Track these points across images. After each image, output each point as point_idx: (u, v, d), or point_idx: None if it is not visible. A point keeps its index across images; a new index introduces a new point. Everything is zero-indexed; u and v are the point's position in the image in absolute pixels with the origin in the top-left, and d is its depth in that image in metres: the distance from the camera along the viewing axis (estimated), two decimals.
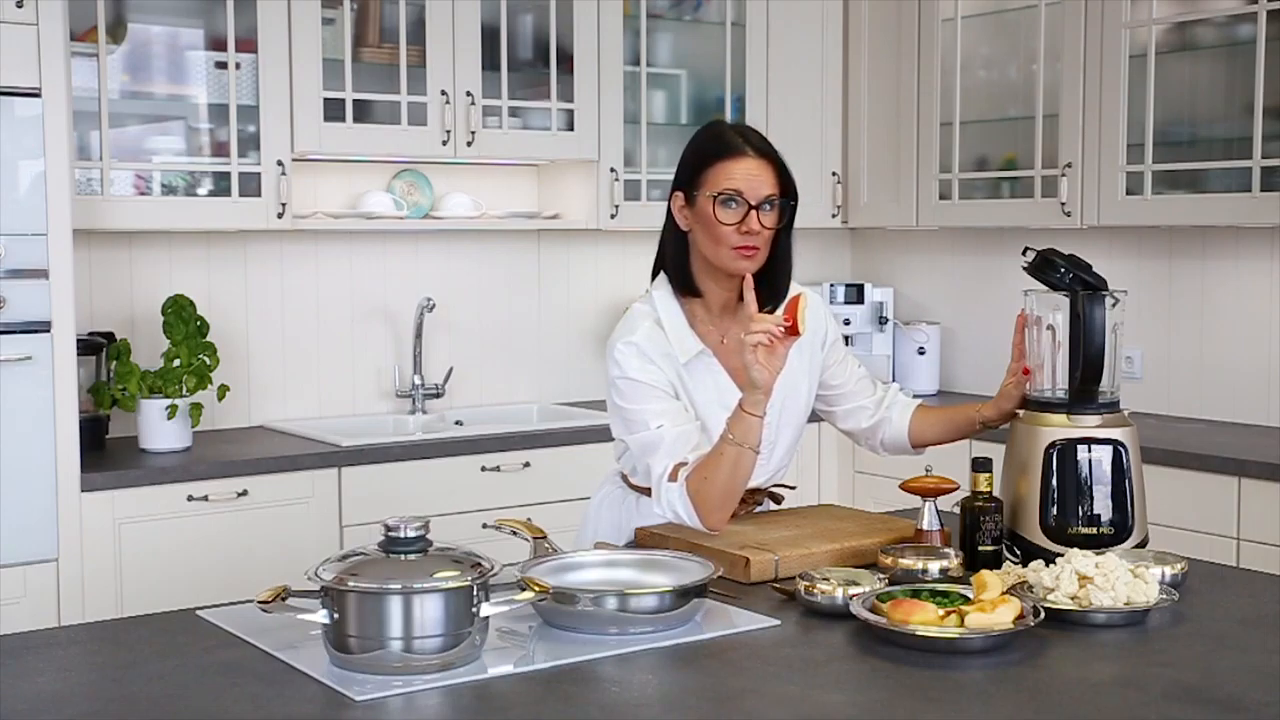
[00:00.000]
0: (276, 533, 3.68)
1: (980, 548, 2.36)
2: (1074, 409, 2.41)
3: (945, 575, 2.23)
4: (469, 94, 4.20)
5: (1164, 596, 2.11)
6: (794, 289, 2.53)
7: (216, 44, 3.92)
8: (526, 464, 4.07)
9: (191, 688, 1.82)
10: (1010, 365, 2.55)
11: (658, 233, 2.62)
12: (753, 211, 2.46)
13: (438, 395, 4.45)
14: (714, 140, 2.54)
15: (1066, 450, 2.38)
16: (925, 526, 2.42)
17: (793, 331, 2.32)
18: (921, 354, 4.93)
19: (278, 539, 3.68)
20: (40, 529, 3.38)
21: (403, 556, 1.87)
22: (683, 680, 1.88)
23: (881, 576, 2.17)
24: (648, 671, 1.90)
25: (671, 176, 2.58)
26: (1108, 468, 2.38)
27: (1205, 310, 4.30)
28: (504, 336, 4.68)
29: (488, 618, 1.87)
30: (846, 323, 4.90)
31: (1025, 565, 2.27)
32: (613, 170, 4.47)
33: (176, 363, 3.77)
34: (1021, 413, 2.49)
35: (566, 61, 4.40)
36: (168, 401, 3.74)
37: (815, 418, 2.78)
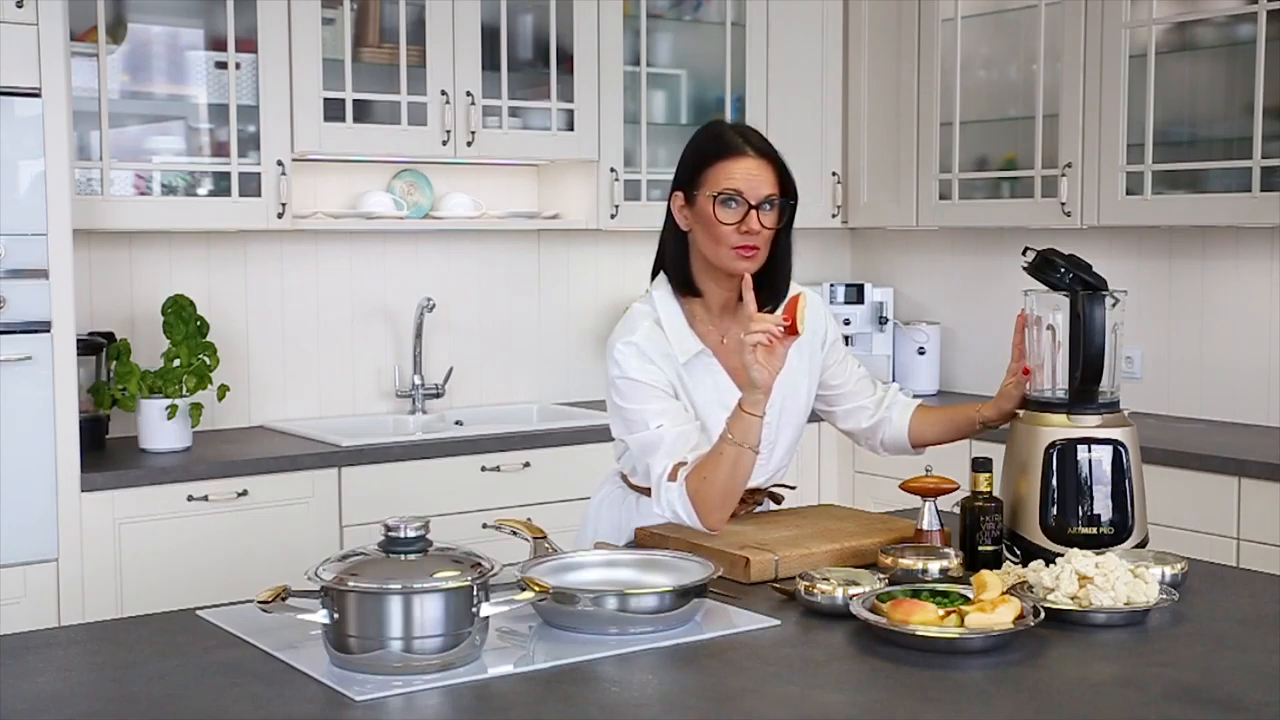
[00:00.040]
0: (276, 533, 3.68)
1: (980, 548, 2.36)
2: (1074, 409, 2.41)
3: (945, 575, 2.23)
4: (469, 94, 4.20)
5: (1164, 596, 2.11)
6: (793, 289, 2.53)
7: (216, 44, 3.92)
8: (526, 464, 4.07)
9: (191, 688, 1.82)
10: (1010, 365, 2.55)
11: (658, 233, 2.62)
12: (753, 211, 2.46)
13: (438, 395, 4.45)
14: (714, 140, 2.54)
15: (1066, 450, 2.38)
16: (925, 526, 2.42)
17: (792, 331, 2.32)
18: (921, 354, 4.93)
19: (278, 539, 3.68)
20: (40, 529, 3.38)
21: (403, 556, 1.87)
22: (683, 680, 1.88)
23: (881, 576, 2.17)
24: (648, 671, 1.90)
25: (671, 176, 2.58)
26: (1108, 468, 2.38)
27: (1205, 310, 4.30)
28: (504, 336, 4.68)
29: (488, 618, 1.87)
30: (846, 323, 4.90)
31: (1025, 565, 2.27)
32: (613, 170, 4.47)
33: (176, 363, 3.77)
34: (1021, 413, 2.49)
35: (566, 61, 4.40)
36: (168, 401, 3.74)
37: (815, 418, 2.78)
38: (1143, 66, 4.06)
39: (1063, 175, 4.24)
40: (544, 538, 2.33)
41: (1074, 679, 1.86)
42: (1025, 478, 2.41)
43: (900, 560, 2.25)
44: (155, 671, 1.88)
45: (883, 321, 5.00)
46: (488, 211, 4.49)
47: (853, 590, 2.09)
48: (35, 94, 3.33)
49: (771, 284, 2.52)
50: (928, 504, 2.44)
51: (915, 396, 2.84)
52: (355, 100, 4.06)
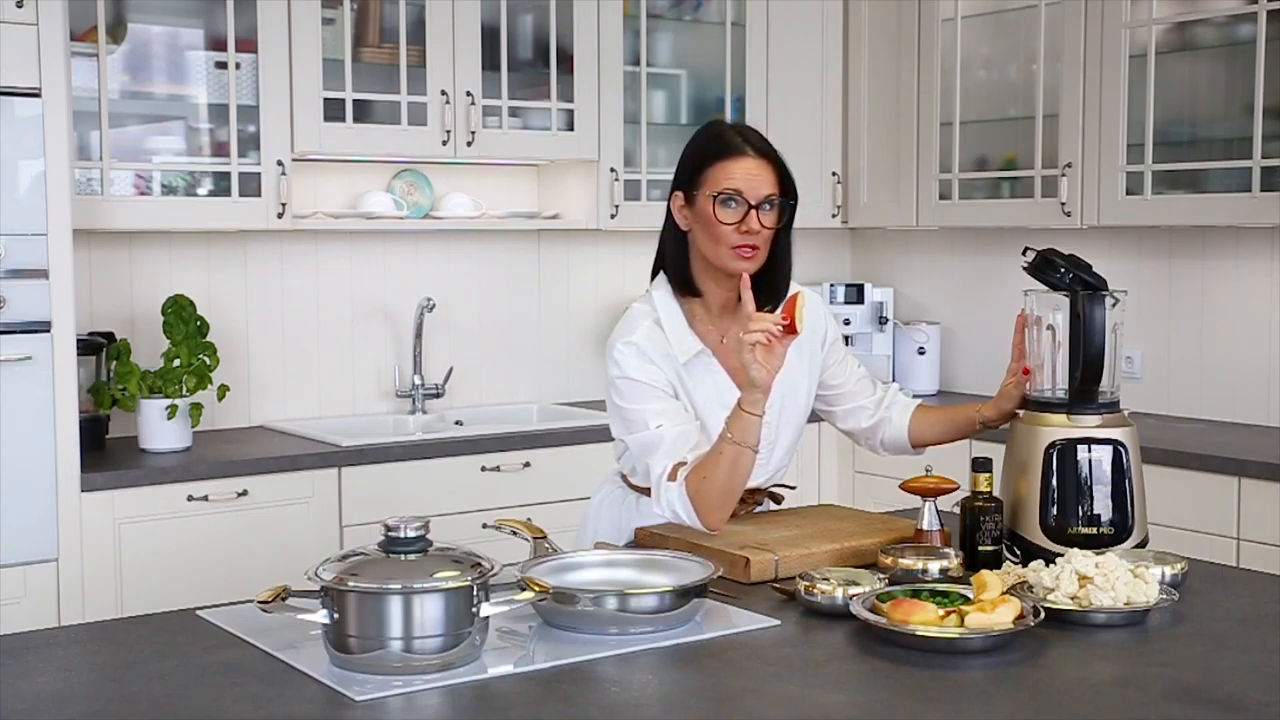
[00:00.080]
0: (276, 533, 3.68)
1: (980, 548, 2.36)
2: (1074, 409, 2.41)
3: (945, 575, 2.23)
4: (469, 94, 4.20)
5: (1164, 596, 2.11)
6: (792, 288, 2.53)
7: (216, 44, 3.92)
8: (526, 464, 4.07)
9: (191, 688, 1.82)
10: (1010, 365, 2.55)
11: (657, 233, 2.62)
12: (752, 211, 2.46)
13: (438, 395, 4.45)
14: (714, 140, 2.54)
15: (1066, 450, 2.38)
16: (925, 526, 2.42)
17: (790, 330, 2.32)
18: (921, 354, 4.93)
19: (278, 539, 3.68)
20: (40, 529, 3.38)
21: (403, 556, 1.87)
22: (683, 680, 1.88)
23: (881, 576, 2.17)
24: (648, 671, 1.90)
25: (671, 176, 2.58)
26: (1108, 468, 2.38)
27: (1205, 310, 4.30)
28: (504, 336, 4.68)
29: (488, 618, 1.87)
30: (846, 323, 4.90)
31: (1025, 565, 2.27)
32: (613, 170, 4.47)
33: (176, 363, 3.77)
34: (1021, 413, 2.49)
35: (566, 61, 4.40)
36: (168, 401, 3.74)
37: (815, 418, 2.78)
38: (1143, 66, 4.06)
39: (1063, 175, 4.24)
40: (544, 538, 2.33)
41: (1074, 679, 1.86)
42: (1025, 478, 2.41)
43: (900, 560, 2.25)
44: (155, 671, 1.88)
45: (883, 321, 5.00)
46: (488, 211, 4.49)
47: (853, 590, 2.09)
48: (35, 94, 3.33)
49: (771, 284, 2.52)
50: (928, 504, 2.44)
51: (915, 396, 2.84)
52: (355, 100, 4.06)
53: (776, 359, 2.34)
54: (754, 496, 2.63)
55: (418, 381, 4.42)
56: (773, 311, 2.43)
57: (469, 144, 4.21)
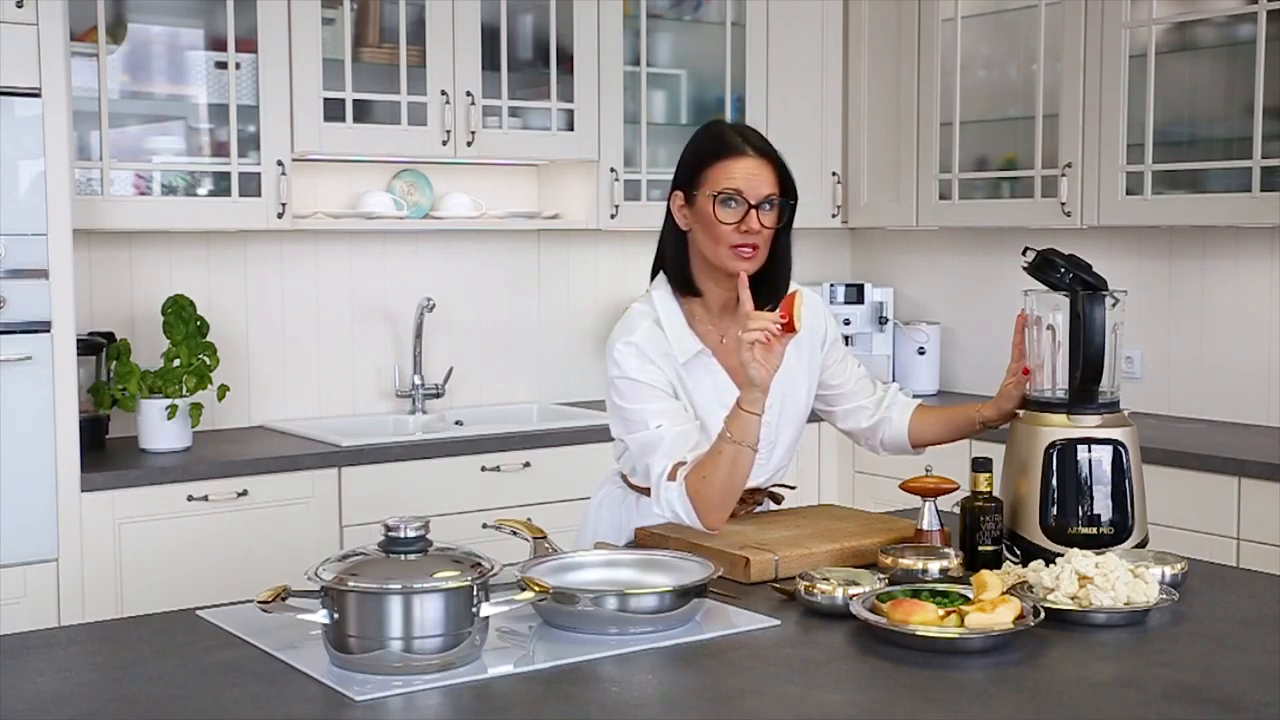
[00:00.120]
0: (276, 533, 3.68)
1: (980, 548, 2.36)
2: (1074, 409, 2.41)
3: (945, 575, 2.23)
4: (469, 94, 4.20)
5: (1164, 596, 2.11)
6: (791, 287, 2.53)
7: (216, 44, 3.92)
8: (526, 464, 4.07)
9: (191, 688, 1.82)
10: (1010, 365, 2.55)
11: (657, 233, 2.62)
12: (752, 211, 2.46)
13: (438, 395, 4.45)
14: (714, 140, 2.54)
15: (1066, 450, 2.38)
16: (925, 526, 2.42)
17: (789, 328, 2.32)
18: (921, 354, 4.93)
19: (278, 539, 3.68)
20: (40, 529, 3.38)
21: (403, 556, 1.87)
22: (683, 680, 1.88)
23: (881, 576, 2.17)
24: (648, 671, 1.90)
25: (671, 176, 2.58)
26: (1108, 468, 2.38)
27: (1205, 310, 4.30)
28: (504, 336, 4.68)
29: (488, 618, 1.87)
30: (846, 323, 4.90)
31: (1025, 565, 2.27)
32: (613, 170, 4.47)
33: (176, 363, 3.77)
34: (1021, 413, 2.49)
35: (566, 61, 4.40)
36: (168, 401, 3.74)
37: (815, 417, 2.78)
38: (1143, 66, 4.06)
39: (1063, 175, 4.24)
40: (544, 538, 2.33)
41: (1074, 679, 1.86)
42: (1025, 478, 2.41)
43: (900, 560, 2.25)
44: (155, 671, 1.88)
45: (883, 321, 5.00)
46: (488, 211, 4.49)
47: (853, 590, 2.09)
48: (35, 94, 3.33)
49: (771, 284, 2.52)
50: (928, 504, 2.44)
51: (915, 396, 2.84)
52: (355, 100, 4.06)
53: (775, 357, 2.34)
54: (754, 496, 2.63)
55: (418, 381, 4.42)
56: (772, 311, 2.43)
57: (469, 144, 4.21)
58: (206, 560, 3.58)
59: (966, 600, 2.01)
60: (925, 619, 1.93)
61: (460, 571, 1.85)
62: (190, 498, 3.59)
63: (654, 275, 2.63)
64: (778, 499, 2.69)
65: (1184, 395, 4.36)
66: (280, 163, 3.93)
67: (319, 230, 4.29)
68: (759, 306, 2.40)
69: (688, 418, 2.48)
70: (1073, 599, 2.07)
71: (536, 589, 1.91)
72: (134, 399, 3.73)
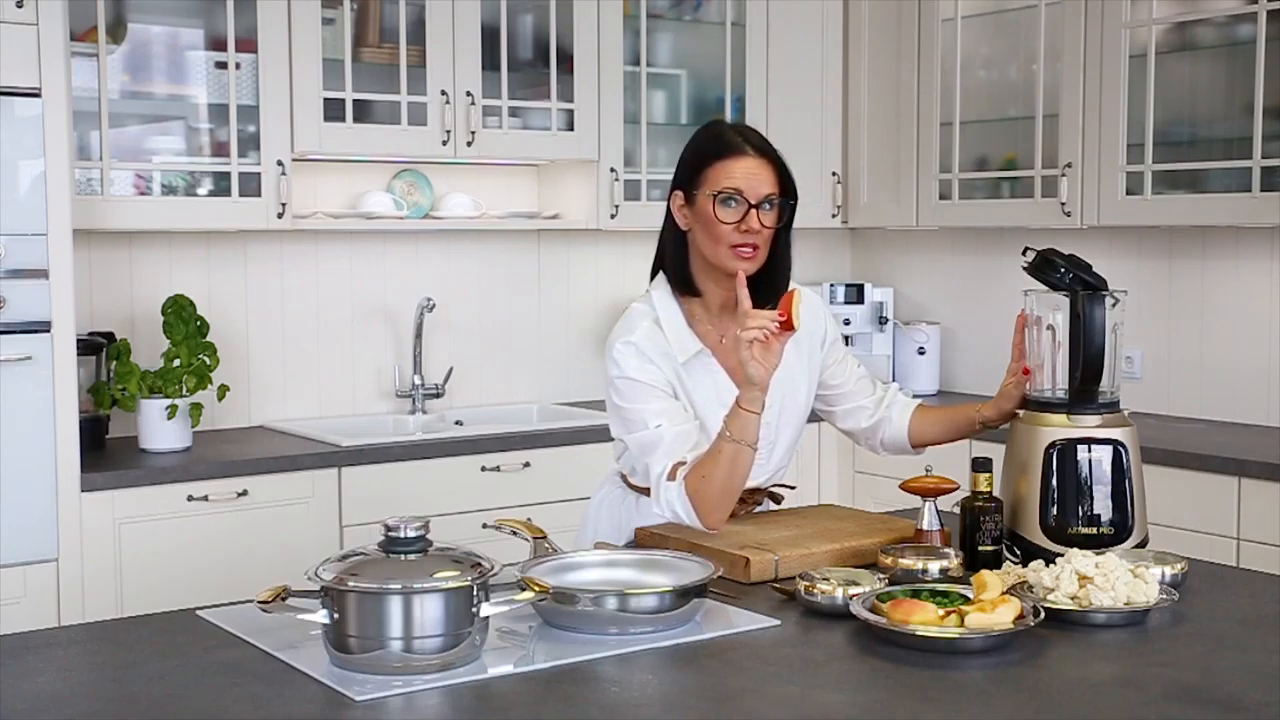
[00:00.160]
0: (276, 533, 3.68)
1: (980, 548, 2.36)
2: (1074, 409, 2.41)
3: (945, 575, 2.23)
4: (469, 94, 4.20)
5: (1164, 596, 2.11)
6: (790, 286, 2.53)
7: (216, 44, 3.92)
8: (526, 464, 4.07)
9: (191, 688, 1.82)
10: (1010, 365, 2.55)
11: (657, 233, 2.62)
12: (752, 210, 2.46)
13: (438, 395, 4.45)
14: (714, 139, 2.54)
15: (1066, 450, 2.38)
16: (925, 526, 2.42)
17: (787, 326, 2.32)
18: (921, 354, 4.93)
19: (278, 539, 3.68)
20: (40, 529, 3.38)
21: (403, 556, 1.87)
22: (683, 680, 1.88)
23: (881, 576, 2.17)
24: (648, 671, 1.90)
25: (671, 176, 2.58)
26: (1108, 468, 2.38)
27: (1205, 310, 4.30)
28: (504, 336, 4.68)
29: (488, 618, 1.87)
30: (846, 323, 4.90)
31: (1025, 565, 2.27)
32: (613, 170, 4.47)
33: (176, 363, 3.77)
34: (1021, 413, 2.49)
35: (566, 61, 4.40)
36: (168, 401, 3.74)
37: (815, 417, 2.78)
38: (1143, 66, 4.06)
39: (1063, 175, 4.24)
40: (544, 538, 2.33)
41: (1074, 679, 1.86)
42: (1025, 478, 2.41)
43: (900, 560, 2.25)
44: (155, 671, 1.88)
45: (883, 321, 5.00)
46: (488, 211, 4.49)
47: (853, 590, 2.09)
48: (35, 94, 3.33)
49: (771, 284, 2.51)
50: (928, 504, 2.44)
51: (915, 396, 2.84)
52: (355, 100, 4.06)
53: (774, 356, 2.34)
54: (754, 496, 2.63)
55: (418, 381, 4.42)
56: (771, 310, 2.43)
57: (469, 144, 4.21)
58: (206, 560, 3.58)
59: (966, 600, 2.01)
60: (925, 619, 1.93)
61: (460, 571, 1.85)
62: (190, 498, 3.59)
63: (654, 275, 2.63)
64: (778, 499, 2.69)
65: (1184, 395, 4.36)
66: (280, 163, 3.93)
67: (319, 230, 4.29)
68: (759, 306, 2.40)
69: (687, 417, 2.48)
70: (1073, 599, 2.07)
71: (536, 589, 1.91)
72: (134, 399, 3.73)
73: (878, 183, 4.87)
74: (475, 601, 1.84)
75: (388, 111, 4.14)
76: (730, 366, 2.51)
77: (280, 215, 3.95)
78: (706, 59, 4.76)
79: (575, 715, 1.73)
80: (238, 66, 3.89)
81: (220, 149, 3.95)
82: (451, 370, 4.48)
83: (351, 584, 1.82)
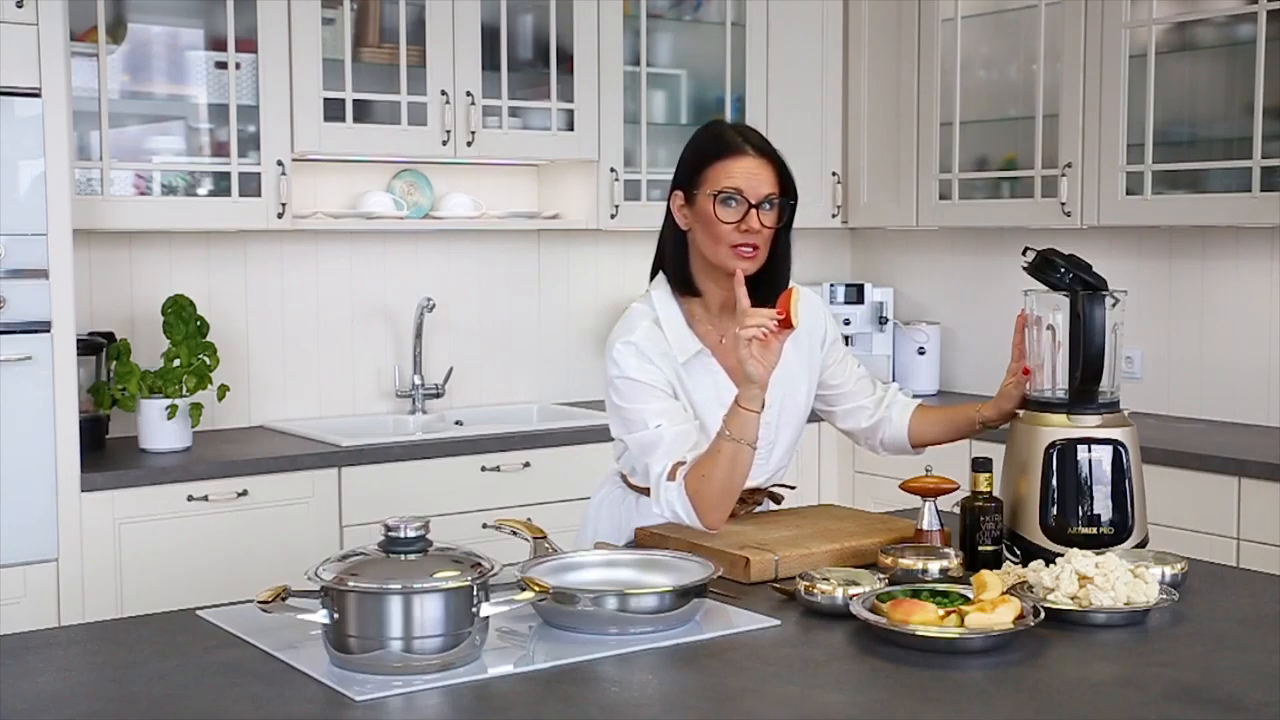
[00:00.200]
0: (276, 533, 3.68)
1: (980, 548, 2.36)
2: (1074, 409, 2.41)
3: (945, 575, 2.23)
4: (469, 94, 4.20)
5: (1164, 596, 2.11)
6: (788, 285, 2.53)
7: (216, 44, 3.92)
8: (526, 464, 4.07)
9: (191, 688, 1.82)
10: (1010, 365, 2.55)
11: (657, 233, 2.62)
12: (753, 210, 2.46)
13: (438, 395, 4.45)
14: (714, 139, 2.54)
15: (1066, 450, 2.38)
16: (925, 526, 2.42)
17: (786, 325, 2.32)
18: (921, 354, 4.93)
19: (278, 539, 3.68)
20: (40, 529, 3.38)
21: (403, 556, 1.87)
22: (683, 680, 1.88)
23: (881, 576, 2.17)
24: (648, 671, 1.90)
25: (671, 176, 2.58)
26: (1108, 468, 2.38)
27: (1205, 310, 4.30)
28: (504, 336, 4.68)
29: (488, 618, 1.87)
30: (846, 323, 4.90)
31: (1025, 565, 2.27)
32: (613, 170, 4.47)
33: (176, 363, 3.77)
34: (1021, 413, 2.49)
35: (566, 61, 4.40)
36: (168, 401, 3.74)
37: (815, 417, 2.78)
38: (1143, 66, 4.06)
39: (1063, 175, 4.24)
40: (544, 538, 2.33)
41: (1074, 679, 1.86)
42: (1025, 478, 2.41)
43: (900, 560, 2.25)
44: (155, 671, 1.88)
45: (883, 321, 5.00)
46: (488, 211, 4.49)
47: (853, 590, 2.09)
48: (35, 94, 3.33)
49: (771, 283, 2.51)
50: (928, 504, 2.44)
51: (915, 396, 2.84)
52: (355, 100, 4.06)
53: (772, 354, 2.34)
54: (754, 496, 2.63)
55: (418, 381, 4.42)
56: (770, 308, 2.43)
57: (469, 144, 4.21)
58: (206, 560, 3.58)
59: (966, 600, 2.01)
60: (925, 619, 1.93)
61: (460, 571, 1.85)
62: (190, 498, 3.59)
63: (653, 275, 2.63)
64: (778, 499, 2.69)
65: (1184, 395, 4.36)
66: (280, 163, 3.93)
67: (319, 230, 4.29)
68: (758, 305, 2.39)
69: (687, 417, 2.48)
70: (1073, 599, 2.07)
71: (536, 589, 1.91)
72: (134, 399, 3.73)
73: (878, 183, 4.87)
74: (475, 601, 1.84)
75: (388, 111, 4.14)
76: (730, 366, 2.51)
77: (280, 215, 3.95)
78: (706, 59, 4.76)
79: (575, 715, 1.73)
80: (238, 66, 3.89)
81: (220, 149, 3.95)
82: (451, 370, 4.48)
83: (351, 584, 1.82)
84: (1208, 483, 3.65)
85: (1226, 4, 3.96)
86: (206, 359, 3.81)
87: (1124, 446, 2.39)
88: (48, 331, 3.38)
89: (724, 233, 2.46)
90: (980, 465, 2.37)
